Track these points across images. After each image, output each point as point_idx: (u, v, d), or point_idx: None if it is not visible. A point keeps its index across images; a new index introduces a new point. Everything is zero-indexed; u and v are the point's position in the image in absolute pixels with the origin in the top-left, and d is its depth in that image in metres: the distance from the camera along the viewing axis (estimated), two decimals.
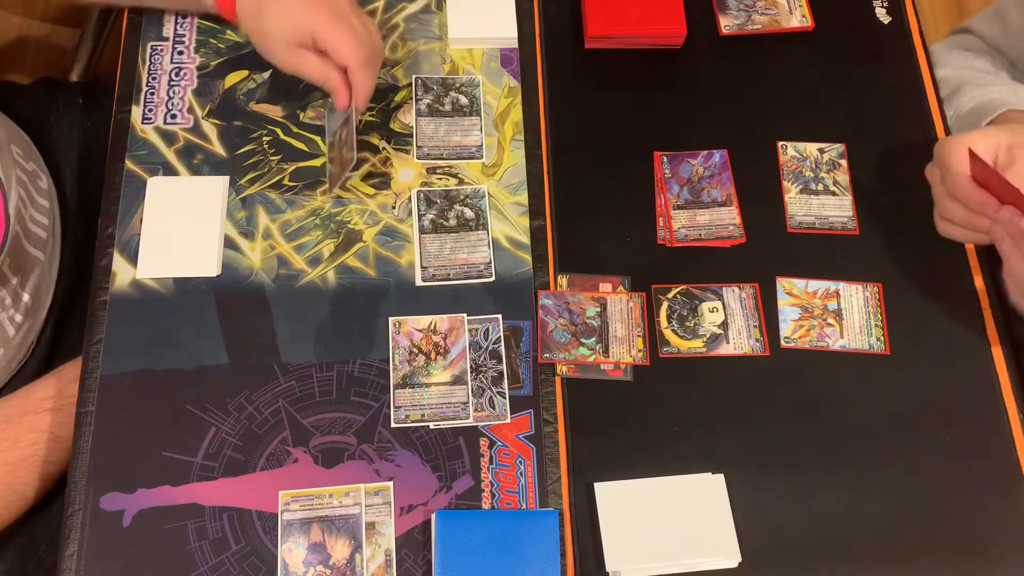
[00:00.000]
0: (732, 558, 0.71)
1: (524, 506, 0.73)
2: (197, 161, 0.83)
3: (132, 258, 0.79)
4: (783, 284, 0.82)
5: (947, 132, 0.90)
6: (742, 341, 0.80)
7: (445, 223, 0.82)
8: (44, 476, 0.78)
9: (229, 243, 0.80)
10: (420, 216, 0.82)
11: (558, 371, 0.78)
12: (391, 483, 0.73)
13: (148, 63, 0.87)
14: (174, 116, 0.85)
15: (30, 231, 0.85)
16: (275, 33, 0.78)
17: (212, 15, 0.86)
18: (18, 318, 0.84)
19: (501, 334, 0.78)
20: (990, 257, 0.86)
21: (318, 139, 0.85)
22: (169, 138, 0.84)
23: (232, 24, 0.84)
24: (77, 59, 1.16)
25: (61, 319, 0.92)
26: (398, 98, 0.88)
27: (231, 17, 0.81)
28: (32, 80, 1.08)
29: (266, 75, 0.87)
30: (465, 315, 0.79)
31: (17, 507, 0.78)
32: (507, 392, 0.76)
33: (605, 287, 0.81)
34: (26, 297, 0.85)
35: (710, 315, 0.81)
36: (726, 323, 0.80)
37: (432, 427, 0.75)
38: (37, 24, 1.49)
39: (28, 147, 0.91)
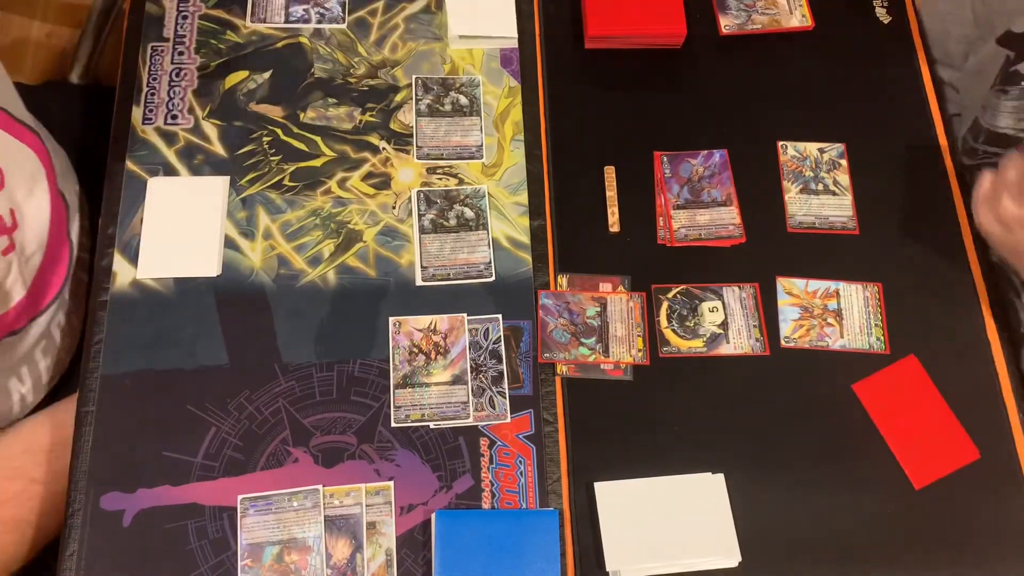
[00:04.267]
0: (732, 558, 0.71)
1: (524, 506, 0.73)
2: (197, 161, 0.83)
3: (132, 258, 0.79)
4: (783, 284, 0.82)
5: (947, 132, 0.90)
6: (742, 341, 0.80)
7: (445, 223, 0.82)
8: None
9: (229, 243, 0.80)
10: (420, 216, 0.83)
11: (558, 371, 0.78)
12: (391, 483, 0.73)
13: (149, 64, 0.87)
14: (175, 117, 0.85)
15: (80, 256, 0.86)
16: None
17: None
18: (67, 341, 0.85)
19: (501, 334, 0.78)
20: (990, 260, 0.86)
21: (318, 139, 0.85)
22: (169, 138, 0.84)
23: None
24: (77, 59, 1.16)
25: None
26: (398, 98, 0.88)
27: None
28: (34, 81, 1.08)
29: (266, 75, 0.87)
30: (465, 315, 0.79)
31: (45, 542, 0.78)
32: (507, 392, 0.76)
33: (605, 287, 0.81)
34: (75, 321, 0.86)
35: (710, 315, 0.81)
36: (726, 323, 0.80)
37: (432, 427, 0.75)
38: (37, 24, 1.49)
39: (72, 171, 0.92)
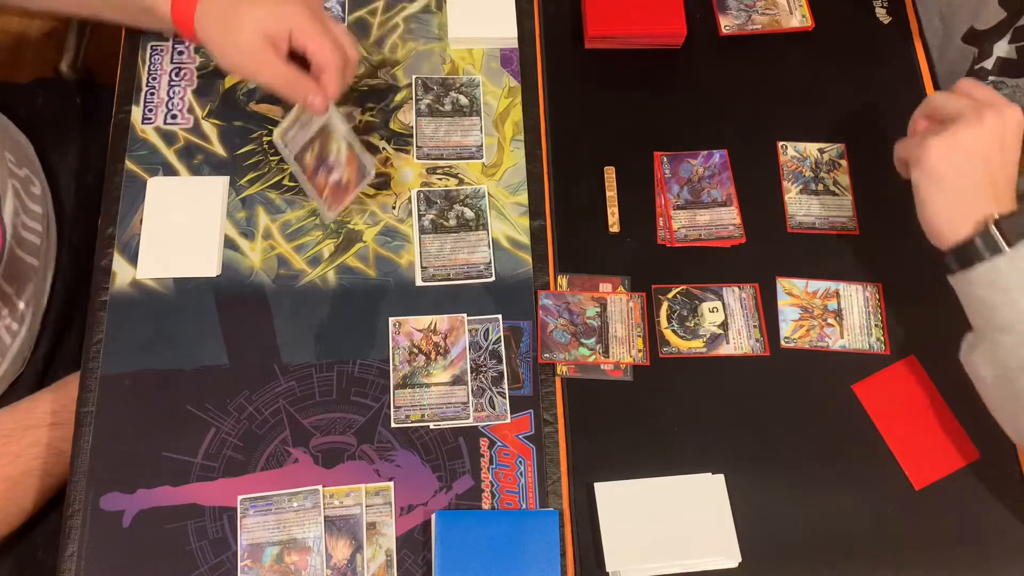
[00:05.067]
0: (732, 558, 0.71)
1: (524, 506, 0.73)
2: (197, 161, 0.83)
3: (132, 258, 0.79)
4: (783, 284, 0.82)
5: None
6: (742, 341, 0.80)
7: (445, 223, 0.82)
8: (44, 489, 0.78)
9: (229, 243, 0.80)
10: (420, 216, 0.82)
11: (558, 371, 0.78)
12: (391, 483, 0.73)
13: (148, 63, 0.87)
14: (174, 116, 0.85)
15: (24, 238, 0.84)
16: (247, 30, 0.70)
17: (165, 31, 0.84)
18: (15, 327, 0.83)
19: (501, 334, 0.78)
20: None
21: None
22: (169, 138, 0.84)
23: (188, 39, 0.76)
24: (65, 49, 1.15)
25: (59, 324, 0.91)
26: (398, 98, 0.88)
27: (186, 28, 0.74)
28: (29, 80, 1.07)
29: None
30: (465, 315, 0.79)
31: (17, 519, 0.78)
32: (507, 392, 0.76)
33: (605, 287, 0.81)
34: (21, 305, 0.84)
35: (710, 315, 0.81)
36: (726, 323, 0.80)
37: (432, 427, 0.75)
38: (37, 24, 1.49)
39: (22, 152, 0.90)
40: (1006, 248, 0.67)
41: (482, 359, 0.77)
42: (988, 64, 0.92)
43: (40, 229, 0.88)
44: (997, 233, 0.67)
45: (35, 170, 0.91)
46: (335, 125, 0.76)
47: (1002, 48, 0.91)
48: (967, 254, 0.69)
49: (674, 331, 0.80)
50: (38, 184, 0.90)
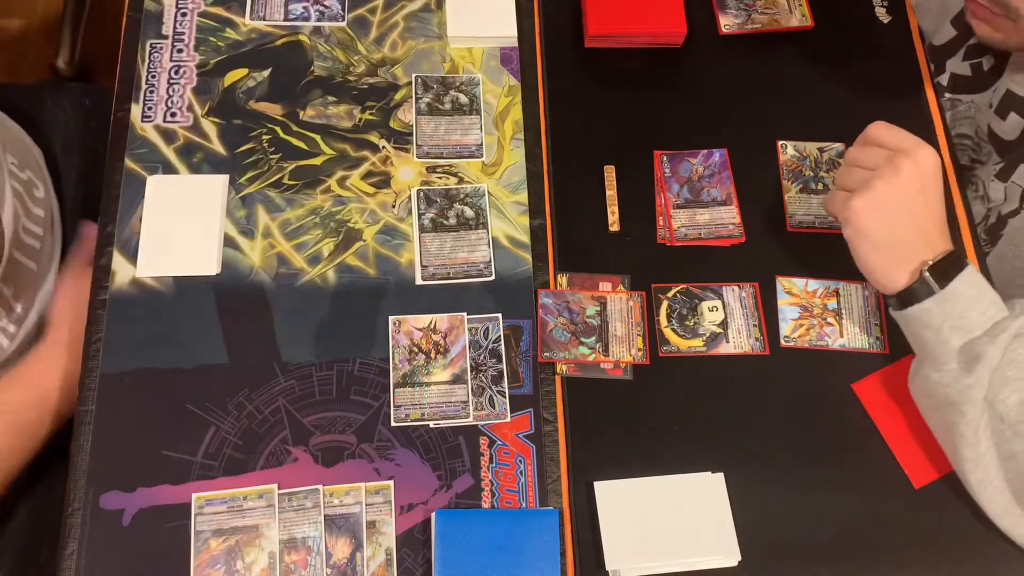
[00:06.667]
0: (732, 557, 0.71)
1: (524, 505, 0.73)
2: (197, 160, 0.83)
3: (132, 257, 0.79)
4: (783, 283, 0.82)
5: (946, 130, 0.90)
6: (742, 340, 0.80)
7: (445, 222, 0.82)
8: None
9: (229, 242, 0.80)
10: (420, 215, 0.82)
11: (558, 370, 0.78)
12: (391, 482, 0.73)
13: (148, 61, 0.87)
14: (174, 114, 0.85)
15: (24, 242, 0.83)
16: None
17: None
18: (11, 329, 0.83)
19: (501, 333, 0.78)
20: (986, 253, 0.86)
21: (318, 138, 0.85)
22: (169, 136, 0.84)
23: None
24: (61, 44, 1.15)
25: None
26: (398, 96, 0.88)
27: None
28: (33, 81, 1.07)
29: (266, 73, 0.87)
30: (465, 314, 0.79)
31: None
32: (507, 391, 0.76)
33: (605, 286, 0.81)
34: (18, 308, 0.83)
35: (710, 314, 0.81)
36: (726, 322, 0.80)
37: (432, 426, 0.75)
38: (37, 24, 1.49)
39: (25, 155, 0.89)
40: (938, 290, 0.69)
41: (482, 358, 0.77)
42: (943, 80, 0.93)
43: (41, 233, 0.87)
44: (932, 279, 0.69)
45: (39, 173, 0.91)
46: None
47: (955, 65, 0.92)
48: (907, 299, 0.71)
49: (674, 330, 0.80)
50: (41, 187, 0.89)
